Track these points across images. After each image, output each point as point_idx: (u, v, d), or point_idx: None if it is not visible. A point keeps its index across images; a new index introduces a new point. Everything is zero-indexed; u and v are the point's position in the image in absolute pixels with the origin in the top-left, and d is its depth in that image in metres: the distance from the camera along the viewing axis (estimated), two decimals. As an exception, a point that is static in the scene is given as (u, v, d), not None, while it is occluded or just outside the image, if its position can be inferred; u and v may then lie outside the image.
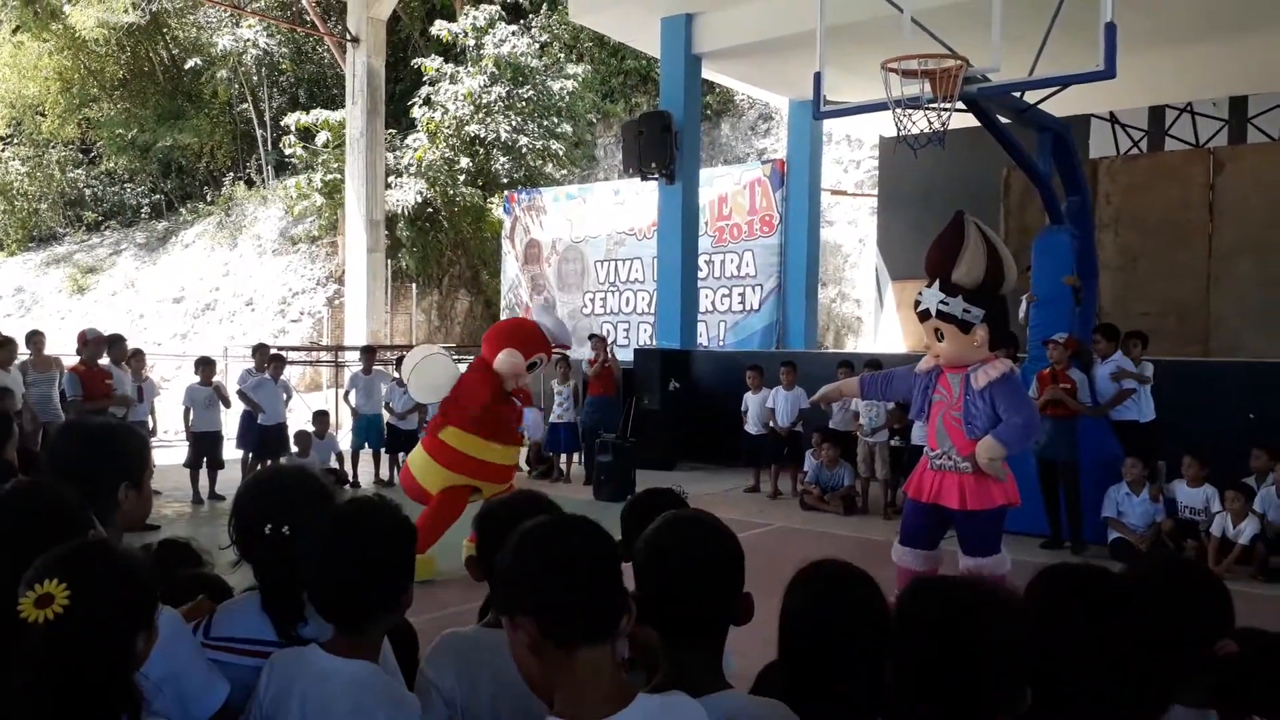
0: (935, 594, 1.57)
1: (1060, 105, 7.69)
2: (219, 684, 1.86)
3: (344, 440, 11.66)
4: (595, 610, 1.46)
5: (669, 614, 1.72)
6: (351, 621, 1.84)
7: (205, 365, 9.97)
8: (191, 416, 9.81)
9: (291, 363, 14.08)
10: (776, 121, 20.39)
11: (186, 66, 25.46)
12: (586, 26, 17.00)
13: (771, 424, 10.25)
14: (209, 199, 26.62)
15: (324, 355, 18.83)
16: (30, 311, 23.43)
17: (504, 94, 20.18)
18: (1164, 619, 1.68)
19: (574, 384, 11.62)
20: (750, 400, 10.46)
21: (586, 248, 16.76)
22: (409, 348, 15.48)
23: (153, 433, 9.84)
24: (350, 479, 10.82)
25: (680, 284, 12.79)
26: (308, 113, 21.22)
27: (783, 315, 14.81)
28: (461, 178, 20.58)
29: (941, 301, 4.77)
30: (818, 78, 7.68)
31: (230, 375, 12.92)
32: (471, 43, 20.44)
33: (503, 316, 18.23)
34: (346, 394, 11.48)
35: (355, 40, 18.61)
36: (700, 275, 14.02)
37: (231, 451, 10.19)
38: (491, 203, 20.72)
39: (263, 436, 10.03)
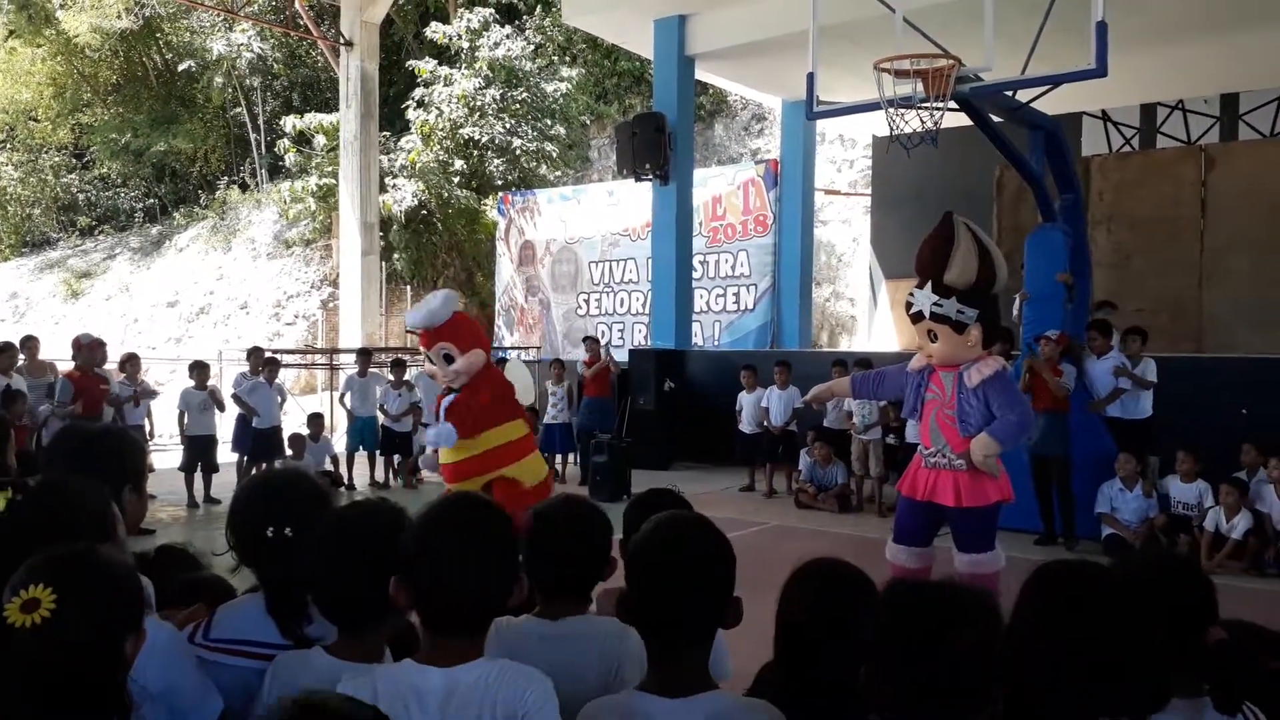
0: (908, 599, 1.58)
1: (1052, 103, 7.71)
2: (213, 699, 1.85)
3: (339, 443, 11.66)
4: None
5: (658, 614, 1.72)
6: (355, 624, 1.85)
7: (200, 369, 9.97)
8: (186, 420, 9.80)
9: (286, 366, 14.08)
10: (770, 122, 20.41)
11: (180, 71, 25.44)
12: (580, 28, 17.02)
13: (766, 423, 10.27)
14: (203, 203, 26.58)
15: (319, 358, 18.81)
16: (24, 317, 23.38)
17: (498, 96, 20.18)
18: (1155, 612, 1.70)
19: (568, 384, 11.63)
20: (745, 400, 10.48)
21: (581, 249, 16.78)
22: (403, 350, 15.49)
23: (150, 436, 9.83)
24: (346, 481, 10.82)
25: (675, 284, 12.81)
26: (301, 116, 21.21)
27: (777, 315, 14.84)
28: (456, 180, 20.58)
29: (935, 303, 4.78)
30: (810, 78, 7.69)
31: (225, 379, 12.92)
32: (466, 45, 20.44)
33: (498, 319, 18.26)
34: (341, 397, 11.48)
35: (348, 43, 18.60)
36: (695, 275, 14.04)
37: (226, 455, 10.18)
38: (485, 205, 20.73)
39: (257, 440, 10.03)
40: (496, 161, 20.61)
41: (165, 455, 11.11)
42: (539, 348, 16.85)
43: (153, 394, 10.02)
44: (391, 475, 11.15)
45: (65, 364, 9.37)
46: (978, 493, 4.85)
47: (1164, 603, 1.77)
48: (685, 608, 1.71)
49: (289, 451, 10.19)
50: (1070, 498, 7.74)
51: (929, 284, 4.83)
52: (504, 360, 12.68)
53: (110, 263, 25.56)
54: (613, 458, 10.10)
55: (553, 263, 17.17)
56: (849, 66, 8.29)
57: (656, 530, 1.79)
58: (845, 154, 19.69)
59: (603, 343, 12.58)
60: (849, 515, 9.20)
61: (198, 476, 9.70)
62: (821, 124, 15.98)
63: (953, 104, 6.77)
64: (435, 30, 20.57)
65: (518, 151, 20.54)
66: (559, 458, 11.64)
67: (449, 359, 5.56)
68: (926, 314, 4.84)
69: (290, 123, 21.07)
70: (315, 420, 10.91)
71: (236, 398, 10.08)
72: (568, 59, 23.06)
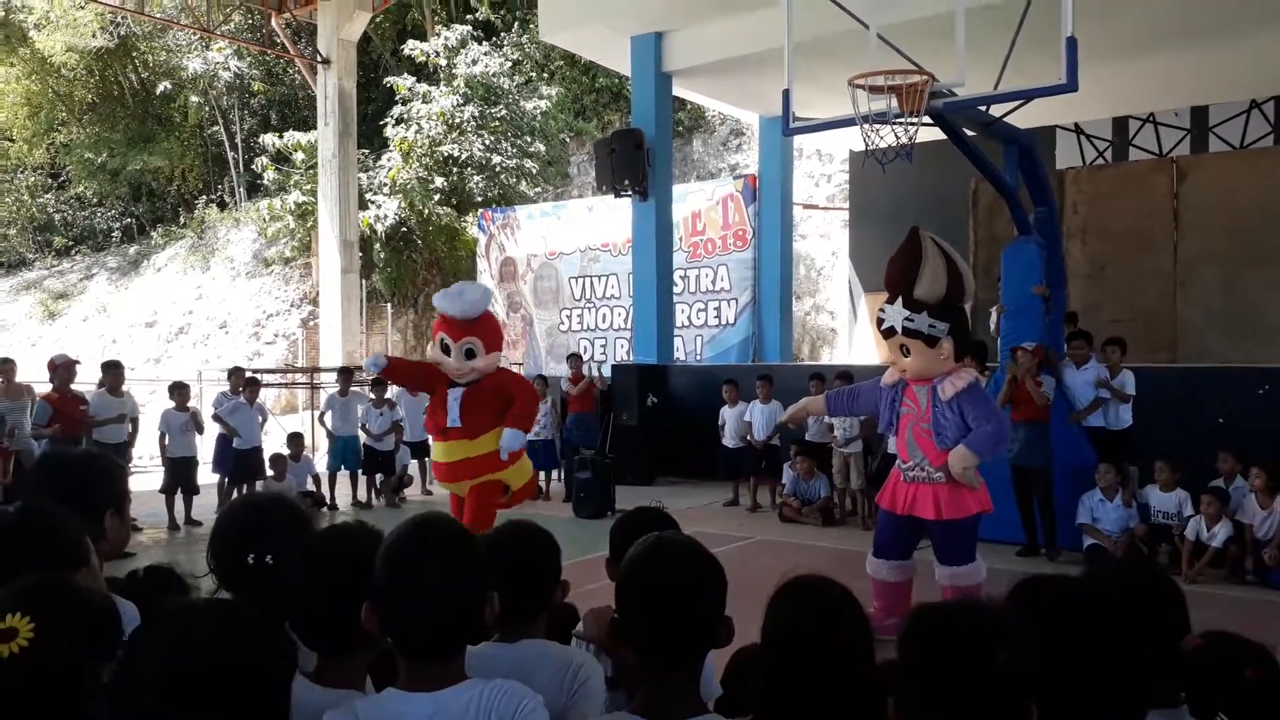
0: (942, 623, 1.54)
1: (1025, 117, 7.80)
2: None
3: (320, 462, 11.59)
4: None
5: (648, 637, 1.72)
6: (335, 649, 1.84)
7: (180, 390, 9.91)
8: (167, 441, 9.73)
9: (267, 385, 14.00)
10: (748, 137, 20.52)
11: (157, 90, 25.35)
12: (557, 46, 17.07)
13: (749, 437, 10.29)
14: (181, 222, 26.46)
15: (299, 377, 18.72)
16: (0, 339, 23.17)
17: (476, 114, 20.21)
18: (1124, 623, 1.72)
19: (552, 400, 11.62)
20: (727, 414, 10.50)
21: (561, 264, 16.80)
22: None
23: (132, 439, 9.67)
24: (328, 501, 10.76)
25: (656, 299, 12.84)
26: (280, 135, 21.16)
27: (758, 329, 14.89)
28: (436, 197, 20.58)
29: (906, 318, 4.83)
30: (786, 94, 7.76)
31: (205, 400, 12.83)
32: (444, 62, 20.47)
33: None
34: (322, 416, 11.42)
35: (326, 62, 18.59)
36: (675, 290, 14.08)
37: (207, 476, 10.11)
38: (465, 221, 20.72)
39: (238, 460, 9.97)
40: (476, 178, 20.62)
41: (145, 477, 11.01)
42: (521, 364, 16.83)
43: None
44: (374, 495, 11.09)
45: (43, 386, 9.29)
46: (957, 505, 4.89)
47: (1133, 613, 1.79)
48: (676, 629, 1.71)
49: (270, 472, 10.13)
50: (1051, 508, 7.77)
51: (900, 299, 4.88)
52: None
53: (88, 283, 25.38)
54: (597, 474, 10.08)
55: (534, 279, 17.17)
56: (824, 82, 8.34)
57: (646, 552, 1.79)
58: (823, 168, 19.83)
59: (585, 358, 12.58)
60: (833, 529, 9.22)
61: (178, 498, 9.63)
62: (799, 139, 16.10)
63: (927, 119, 6.84)
64: (413, 48, 20.60)
65: (497, 168, 20.56)
66: (543, 474, 11.60)
67: (471, 354, 5.63)
68: (899, 329, 4.88)
69: (269, 140, 21.02)
70: (296, 440, 10.85)
71: (218, 418, 10.02)
72: (546, 76, 23.13)
